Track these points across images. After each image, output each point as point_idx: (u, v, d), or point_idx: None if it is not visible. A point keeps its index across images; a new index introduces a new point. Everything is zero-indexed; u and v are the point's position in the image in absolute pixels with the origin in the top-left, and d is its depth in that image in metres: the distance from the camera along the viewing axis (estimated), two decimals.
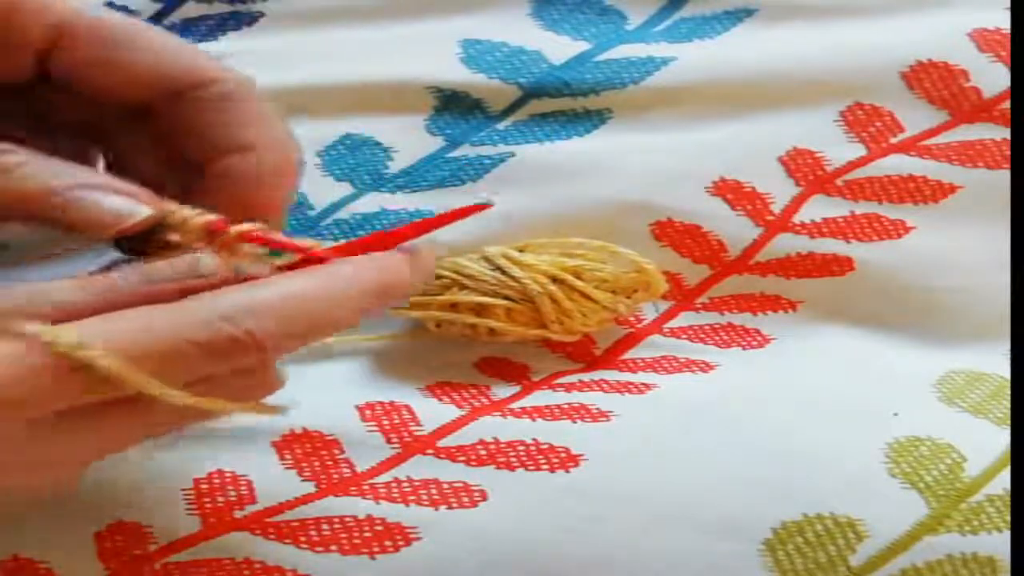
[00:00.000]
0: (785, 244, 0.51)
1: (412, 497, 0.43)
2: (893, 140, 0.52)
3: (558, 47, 0.54)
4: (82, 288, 0.38)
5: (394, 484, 0.44)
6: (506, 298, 0.47)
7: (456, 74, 0.53)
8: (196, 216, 0.41)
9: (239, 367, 0.38)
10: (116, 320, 0.37)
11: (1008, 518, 0.43)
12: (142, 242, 0.41)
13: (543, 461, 0.44)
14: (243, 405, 0.39)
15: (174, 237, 0.41)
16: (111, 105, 0.43)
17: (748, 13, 0.55)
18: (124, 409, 0.37)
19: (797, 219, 0.51)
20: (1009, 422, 0.46)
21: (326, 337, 0.41)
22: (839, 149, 0.52)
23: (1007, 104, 0.53)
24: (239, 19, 0.55)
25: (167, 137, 0.43)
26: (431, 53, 0.54)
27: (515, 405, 0.46)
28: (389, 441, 0.45)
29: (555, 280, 0.47)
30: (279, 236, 0.42)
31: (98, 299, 0.38)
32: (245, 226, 0.41)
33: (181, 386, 0.37)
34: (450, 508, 0.43)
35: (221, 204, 0.41)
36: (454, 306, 0.47)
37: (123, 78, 0.43)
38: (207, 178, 0.42)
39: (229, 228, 0.41)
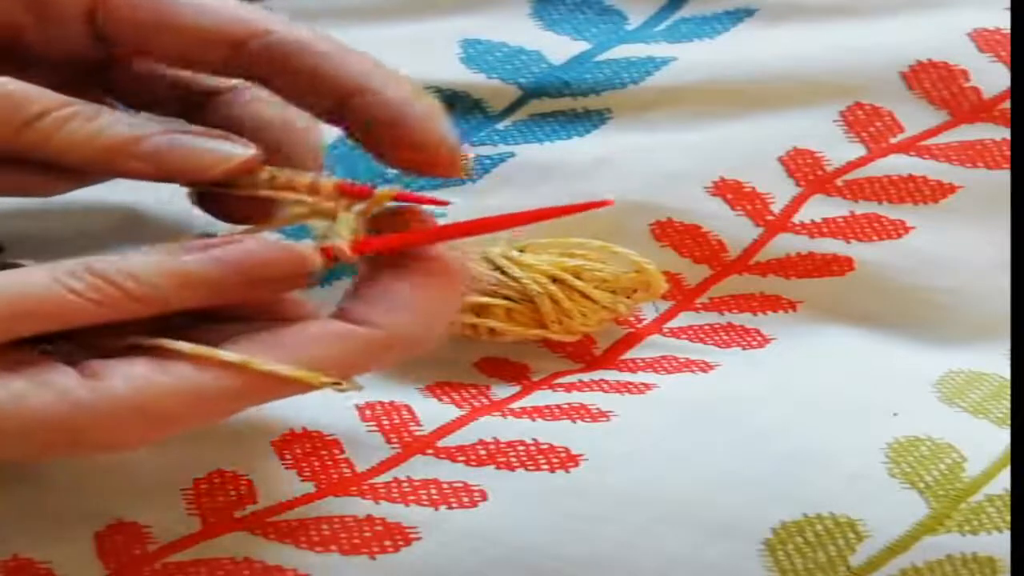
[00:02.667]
0: (785, 244, 0.51)
1: (412, 497, 0.43)
2: (893, 140, 0.52)
3: (558, 47, 0.54)
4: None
5: (394, 484, 0.44)
6: (506, 298, 0.47)
7: (456, 74, 0.53)
8: (304, 177, 0.41)
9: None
10: None
11: (1008, 518, 0.43)
12: (228, 203, 0.42)
13: (543, 461, 0.44)
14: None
15: (290, 196, 0.41)
16: (191, 78, 0.44)
17: (748, 13, 0.55)
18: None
19: (797, 219, 0.51)
20: (1009, 422, 0.46)
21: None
22: (839, 149, 0.52)
23: (1007, 104, 0.53)
24: None
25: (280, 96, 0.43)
26: (431, 53, 0.54)
27: (515, 405, 0.46)
28: (389, 441, 0.45)
29: (555, 280, 0.47)
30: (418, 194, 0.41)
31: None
32: (385, 189, 0.41)
33: None
34: (450, 508, 0.43)
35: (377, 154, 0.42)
36: None
37: (174, 38, 0.42)
38: (352, 124, 0.42)
39: (364, 191, 0.41)
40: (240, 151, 0.41)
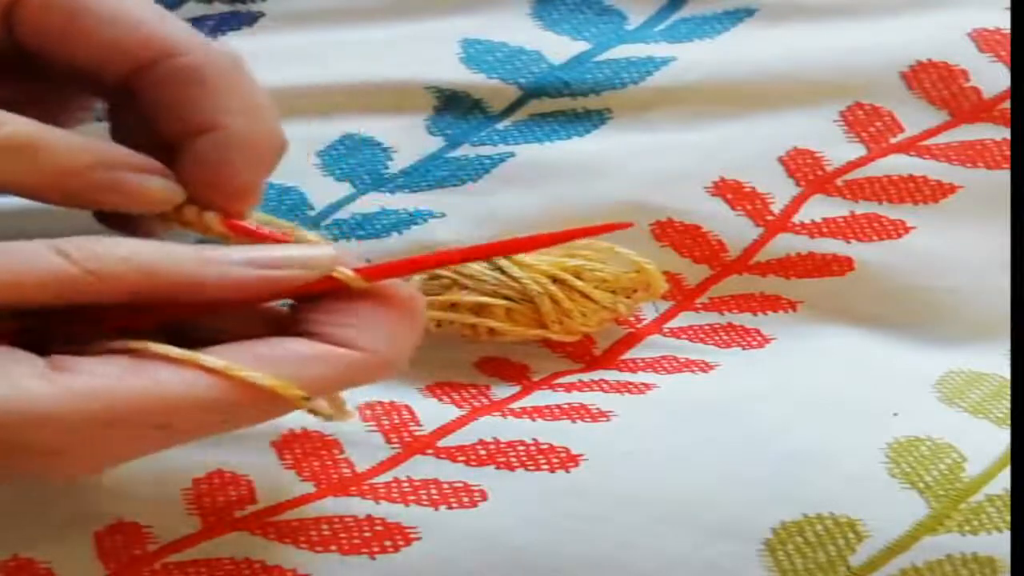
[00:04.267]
0: (785, 244, 0.51)
1: (412, 497, 0.43)
2: (893, 140, 0.52)
3: (558, 47, 0.54)
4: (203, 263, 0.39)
5: (394, 484, 0.44)
6: (506, 298, 0.47)
7: (456, 74, 0.53)
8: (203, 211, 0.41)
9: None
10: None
11: (1008, 518, 0.43)
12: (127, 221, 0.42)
13: (543, 461, 0.44)
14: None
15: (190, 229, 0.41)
16: (88, 82, 0.42)
17: (748, 13, 0.55)
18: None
19: (797, 219, 0.51)
20: (1009, 422, 0.46)
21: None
22: (839, 149, 0.52)
23: (1007, 104, 0.53)
24: (239, 19, 0.55)
25: (144, 117, 0.42)
26: (431, 53, 0.54)
27: (515, 405, 0.47)
28: (389, 441, 0.45)
29: (555, 280, 0.47)
30: (265, 230, 0.42)
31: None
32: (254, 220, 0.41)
33: None
34: (450, 508, 0.43)
35: (191, 188, 0.41)
36: (454, 306, 0.47)
37: (81, 49, 0.41)
38: (180, 161, 0.41)
39: (242, 223, 0.41)
40: (178, 191, 0.41)
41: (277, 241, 0.41)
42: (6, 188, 0.40)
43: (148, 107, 0.42)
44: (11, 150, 0.39)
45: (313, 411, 0.39)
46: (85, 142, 0.40)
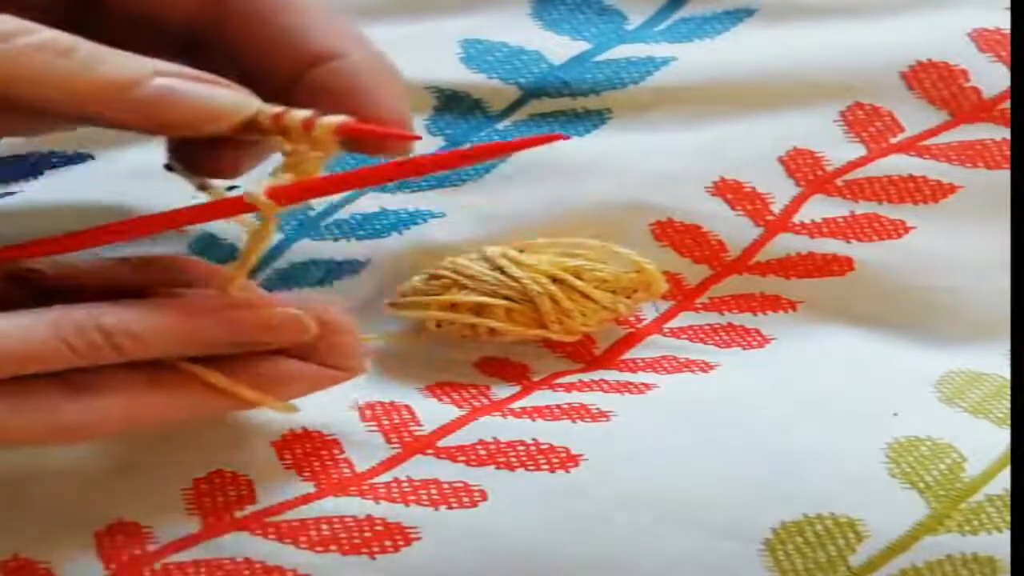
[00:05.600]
0: (785, 244, 0.51)
1: (412, 497, 0.43)
2: (893, 140, 0.52)
3: (558, 47, 0.54)
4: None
5: (394, 484, 0.44)
6: (506, 298, 0.47)
7: (456, 74, 0.53)
8: (289, 112, 0.38)
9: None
10: None
11: (1008, 518, 0.43)
12: (204, 156, 0.41)
13: (543, 461, 0.44)
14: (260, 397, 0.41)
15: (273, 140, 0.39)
16: (169, 29, 0.42)
17: (748, 13, 0.55)
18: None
19: (797, 219, 0.51)
20: (1009, 422, 0.46)
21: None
22: (839, 149, 0.52)
23: (1007, 104, 0.53)
24: None
25: (234, 58, 0.41)
26: (431, 53, 0.54)
27: (515, 405, 0.46)
28: (389, 441, 0.45)
29: (555, 280, 0.47)
30: (375, 127, 0.40)
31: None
32: (338, 118, 0.39)
33: None
34: (450, 508, 0.43)
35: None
36: (454, 306, 0.47)
37: None
38: (300, 94, 0.40)
39: (317, 121, 0.38)
40: (251, 101, 0.39)
41: (395, 136, 0.40)
42: (60, 105, 0.37)
43: (243, 49, 0.40)
44: (55, 54, 0.37)
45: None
46: (137, 56, 0.38)
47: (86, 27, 0.42)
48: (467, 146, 0.52)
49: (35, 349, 0.38)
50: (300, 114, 0.39)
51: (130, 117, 0.38)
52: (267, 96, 0.40)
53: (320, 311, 0.42)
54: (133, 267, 0.42)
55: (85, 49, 0.37)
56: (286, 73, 0.41)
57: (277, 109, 0.39)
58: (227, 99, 0.39)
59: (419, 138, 0.41)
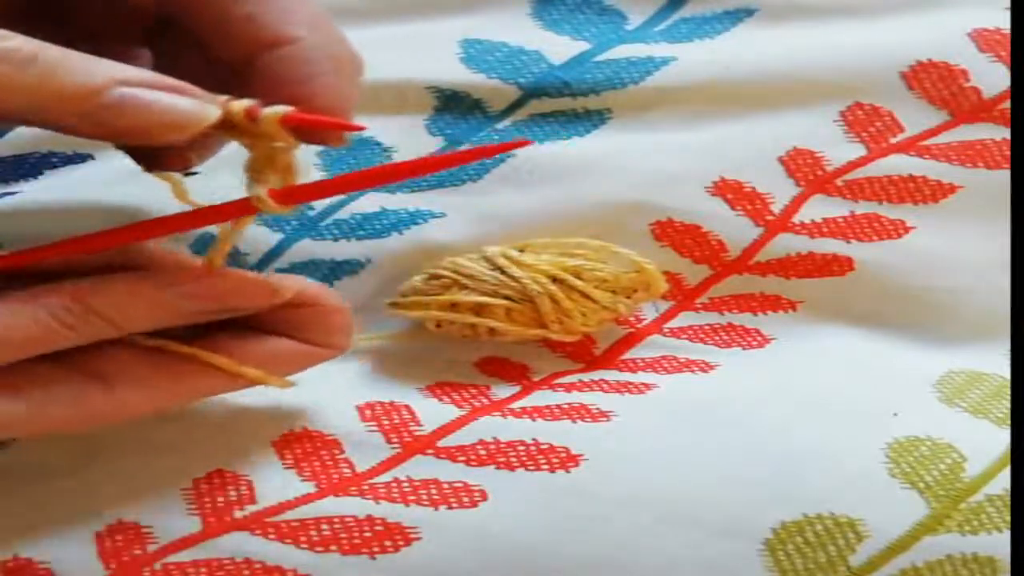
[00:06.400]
0: (785, 244, 0.51)
1: (412, 497, 0.43)
2: (893, 140, 0.52)
3: (558, 47, 0.54)
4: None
5: (394, 484, 0.44)
6: (506, 298, 0.47)
7: (456, 74, 0.53)
8: (229, 104, 0.39)
9: None
10: None
11: (1008, 518, 0.43)
12: (158, 153, 0.41)
13: (543, 461, 0.44)
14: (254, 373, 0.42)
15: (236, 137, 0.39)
16: (136, 15, 0.42)
17: (748, 13, 0.55)
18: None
19: (797, 219, 0.51)
20: (1009, 422, 0.46)
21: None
22: (839, 149, 0.52)
23: (1007, 104, 0.53)
24: None
25: (197, 41, 0.41)
26: (431, 53, 0.54)
27: (515, 405, 0.47)
28: (389, 441, 0.45)
29: (555, 280, 0.47)
30: (319, 117, 0.40)
31: None
32: (280, 108, 0.39)
33: None
34: (450, 508, 0.43)
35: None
36: (454, 306, 0.47)
37: None
38: (253, 79, 0.41)
39: (261, 112, 0.39)
40: (209, 111, 0.39)
41: (336, 127, 0.41)
42: (20, 113, 0.38)
43: (200, 32, 0.41)
44: (17, 63, 0.37)
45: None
46: (101, 60, 0.38)
47: (53, 13, 0.42)
48: (466, 146, 0.52)
49: (27, 330, 0.39)
50: (240, 104, 0.39)
51: (91, 126, 0.38)
52: (226, 81, 0.40)
53: (299, 286, 0.43)
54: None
55: (48, 57, 0.37)
56: (240, 59, 0.41)
57: (221, 98, 0.39)
58: (189, 108, 0.39)
59: (362, 128, 0.41)
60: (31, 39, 0.37)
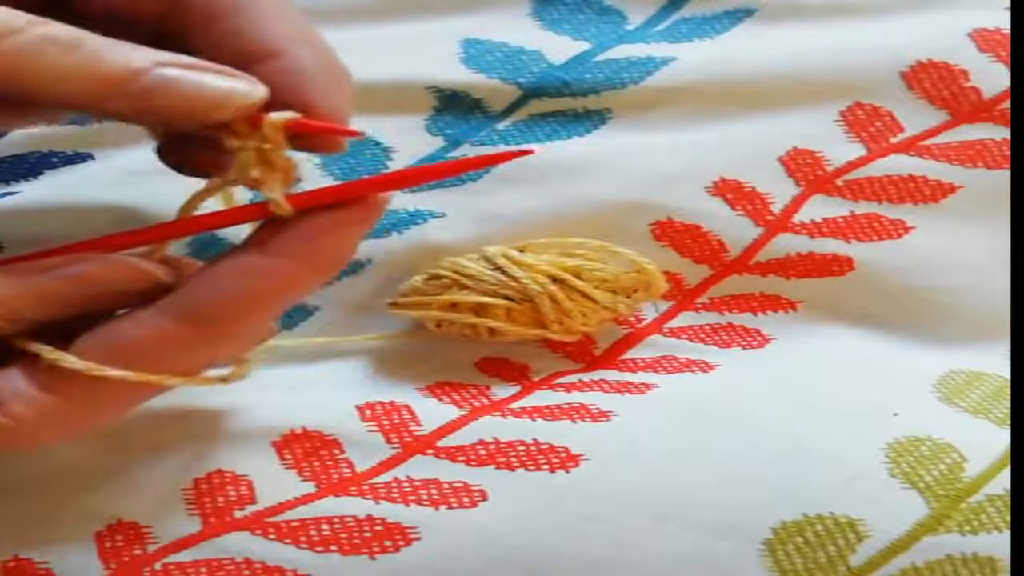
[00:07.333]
0: (785, 244, 0.51)
1: (412, 497, 0.43)
2: (893, 140, 0.52)
3: (558, 47, 0.54)
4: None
5: (394, 484, 0.44)
6: (506, 298, 0.47)
7: (456, 74, 0.53)
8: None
9: None
10: None
11: (1008, 518, 0.43)
12: (193, 153, 0.41)
13: (543, 461, 0.44)
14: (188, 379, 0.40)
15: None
16: (135, 28, 0.42)
17: (748, 13, 0.55)
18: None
19: (797, 219, 0.51)
20: (1009, 422, 0.46)
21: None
22: (839, 149, 0.52)
23: (1007, 104, 0.53)
24: None
25: (197, 54, 0.41)
26: (431, 53, 0.54)
27: (515, 405, 0.47)
28: (389, 441, 0.45)
29: (555, 280, 0.47)
30: (321, 123, 0.40)
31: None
32: (286, 114, 0.39)
33: None
34: (450, 508, 0.43)
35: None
36: (454, 306, 0.47)
37: None
38: None
39: (265, 118, 0.39)
40: (257, 88, 0.39)
41: (339, 132, 0.41)
42: (67, 97, 0.38)
43: (194, 48, 0.41)
44: (63, 47, 0.37)
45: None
46: (139, 46, 0.38)
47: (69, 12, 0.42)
48: (466, 146, 0.52)
49: None
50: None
51: (136, 107, 0.38)
52: None
53: (185, 265, 0.41)
54: None
55: (91, 41, 0.38)
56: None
57: None
58: (233, 87, 0.39)
59: (360, 134, 0.41)
60: (70, 26, 0.38)
